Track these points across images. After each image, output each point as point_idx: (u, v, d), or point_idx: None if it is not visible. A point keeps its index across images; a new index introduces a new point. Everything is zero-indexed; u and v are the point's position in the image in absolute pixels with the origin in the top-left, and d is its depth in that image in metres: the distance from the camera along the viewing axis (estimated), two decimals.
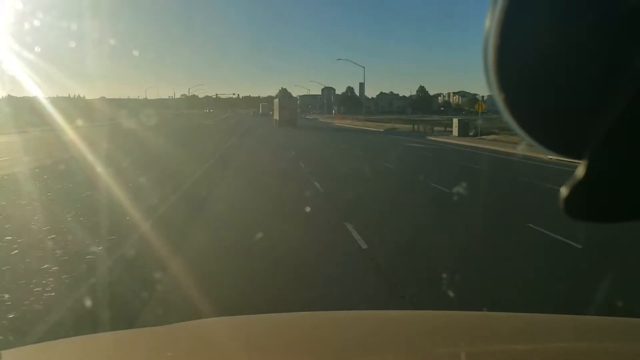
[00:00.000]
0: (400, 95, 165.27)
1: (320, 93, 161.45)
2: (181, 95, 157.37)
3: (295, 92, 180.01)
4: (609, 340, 1.45)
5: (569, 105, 0.46)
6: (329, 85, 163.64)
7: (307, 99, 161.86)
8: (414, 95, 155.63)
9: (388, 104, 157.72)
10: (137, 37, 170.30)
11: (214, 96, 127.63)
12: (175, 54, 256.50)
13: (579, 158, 0.46)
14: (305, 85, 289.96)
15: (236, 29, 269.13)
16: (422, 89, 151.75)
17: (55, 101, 41.69)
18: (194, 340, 1.49)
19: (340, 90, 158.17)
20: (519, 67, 0.47)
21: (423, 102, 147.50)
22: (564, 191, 0.47)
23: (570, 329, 1.55)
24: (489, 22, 0.47)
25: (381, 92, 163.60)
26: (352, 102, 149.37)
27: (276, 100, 59.98)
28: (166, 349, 1.47)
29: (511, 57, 0.47)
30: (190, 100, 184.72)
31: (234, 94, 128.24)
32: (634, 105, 0.42)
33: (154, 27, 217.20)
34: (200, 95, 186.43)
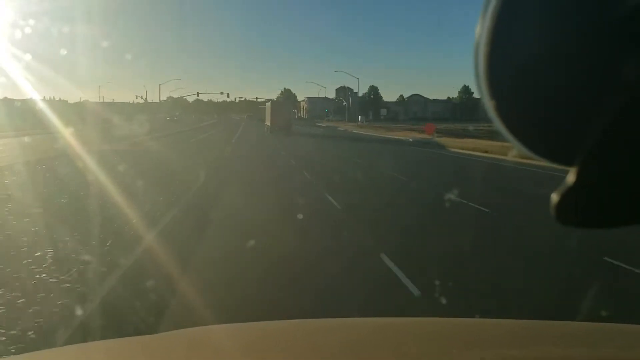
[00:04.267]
0: (432, 98, 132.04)
1: (331, 96, 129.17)
2: (168, 97, 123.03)
3: (305, 92, 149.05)
4: (602, 346, 1.46)
5: (560, 112, 0.46)
6: (342, 86, 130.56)
7: (318, 102, 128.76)
8: (454, 97, 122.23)
9: (421, 108, 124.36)
10: (111, 30, 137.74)
11: (196, 95, 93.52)
12: (153, 45, 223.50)
13: (570, 165, 0.47)
14: (324, 80, 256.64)
15: (229, 19, 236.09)
16: (466, 91, 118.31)
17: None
18: (189, 349, 1.49)
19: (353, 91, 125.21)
20: (509, 75, 0.47)
21: (468, 106, 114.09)
22: (554, 197, 0.47)
23: (564, 335, 1.56)
24: (480, 29, 0.47)
25: (414, 94, 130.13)
26: (376, 106, 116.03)
27: (268, 104, 54.03)
28: (161, 357, 1.48)
29: (501, 65, 0.47)
30: (177, 103, 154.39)
31: (222, 93, 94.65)
32: (624, 113, 0.43)
33: (128, 19, 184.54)
34: (190, 98, 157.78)
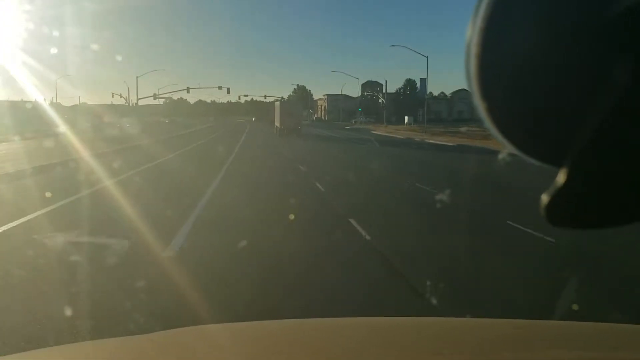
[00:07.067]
0: None
1: (348, 92, 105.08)
2: (161, 99, 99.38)
3: (323, 88, 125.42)
4: (596, 346, 1.46)
5: (551, 113, 0.47)
6: (369, 79, 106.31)
7: (340, 99, 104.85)
8: None
9: (468, 106, 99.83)
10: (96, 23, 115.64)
11: (186, 91, 69.90)
12: (138, 37, 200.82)
13: (560, 165, 0.47)
14: (337, 80, 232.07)
15: (231, 5, 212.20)
16: None
17: None
18: (186, 348, 1.48)
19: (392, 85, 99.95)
20: (501, 76, 0.47)
21: None
22: (544, 198, 0.48)
23: (558, 336, 1.56)
24: (471, 30, 0.47)
25: (460, 90, 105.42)
26: (414, 103, 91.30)
27: (277, 103, 49.97)
28: (157, 357, 1.47)
29: (492, 66, 0.47)
30: (177, 105, 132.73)
31: (220, 88, 71.28)
32: (614, 114, 0.44)
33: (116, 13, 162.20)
34: (192, 99, 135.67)
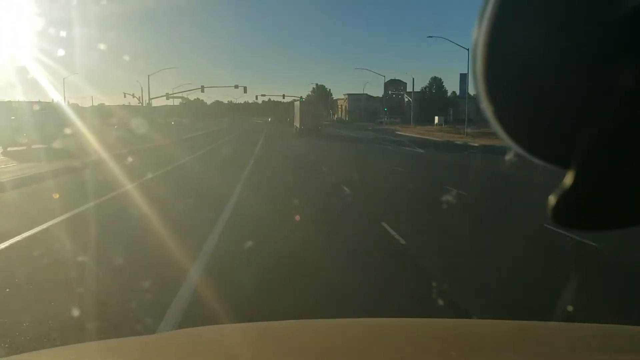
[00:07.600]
0: None
1: (370, 92, 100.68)
2: (176, 99, 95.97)
3: (343, 88, 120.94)
4: (598, 348, 1.45)
5: (557, 115, 0.47)
6: (395, 78, 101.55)
7: (362, 99, 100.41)
8: None
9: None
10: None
11: (201, 90, 66.22)
12: (152, 37, 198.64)
13: (567, 167, 0.47)
14: (356, 78, 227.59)
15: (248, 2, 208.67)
16: None
17: None
18: (189, 349, 1.47)
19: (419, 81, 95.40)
20: (507, 78, 0.47)
21: None
22: (551, 200, 0.48)
23: (559, 337, 1.55)
24: (477, 33, 0.47)
25: None
26: (440, 103, 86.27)
27: (297, 103, 51.19)
28: (161, 357, 1.46)
29: (499, 69, 0.47)
30: (193, 106, 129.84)
31: (236, 87, 68.01)
32: (620, 115, 0.44)
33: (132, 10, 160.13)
34: (209, 100, 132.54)
